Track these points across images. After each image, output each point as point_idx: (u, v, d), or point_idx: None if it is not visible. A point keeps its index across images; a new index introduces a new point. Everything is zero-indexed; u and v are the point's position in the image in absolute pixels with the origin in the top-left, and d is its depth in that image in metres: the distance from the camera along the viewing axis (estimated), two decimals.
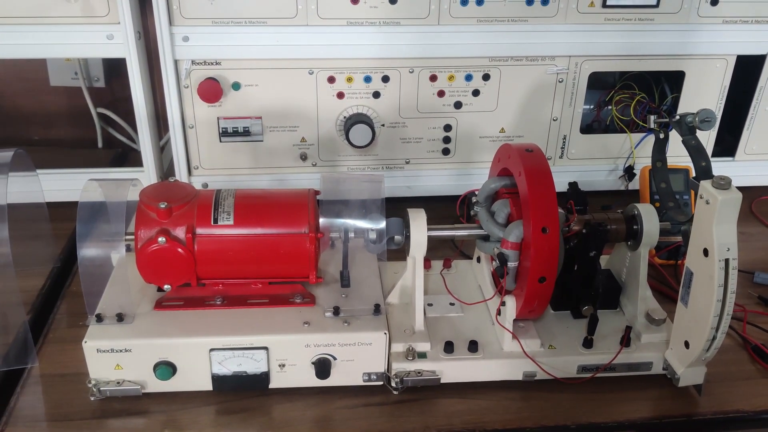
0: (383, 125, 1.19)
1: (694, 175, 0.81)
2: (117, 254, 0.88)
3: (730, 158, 1.32)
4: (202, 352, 0.83)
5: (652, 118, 0.88)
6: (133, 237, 0.84)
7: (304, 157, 1.20)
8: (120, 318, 0.85)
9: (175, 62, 1.10)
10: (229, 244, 0.85)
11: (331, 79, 1.14)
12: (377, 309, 0.88)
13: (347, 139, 1.15)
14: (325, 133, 1.18)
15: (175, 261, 0.83)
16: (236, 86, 1.13)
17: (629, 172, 1.27)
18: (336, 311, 0.87)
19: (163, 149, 1.28)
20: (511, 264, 0.86)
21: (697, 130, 0.83)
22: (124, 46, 1.09)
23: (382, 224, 0.88)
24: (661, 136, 0.88)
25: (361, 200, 0.90)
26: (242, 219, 0.86)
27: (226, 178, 1.19)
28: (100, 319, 0.85)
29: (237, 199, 0.88)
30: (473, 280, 1.02)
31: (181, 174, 1.18)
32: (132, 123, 1.18)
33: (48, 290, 1.04)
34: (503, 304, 0.88)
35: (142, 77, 1.13)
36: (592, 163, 1.28)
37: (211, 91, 1.11)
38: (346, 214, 0.89)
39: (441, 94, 1.18)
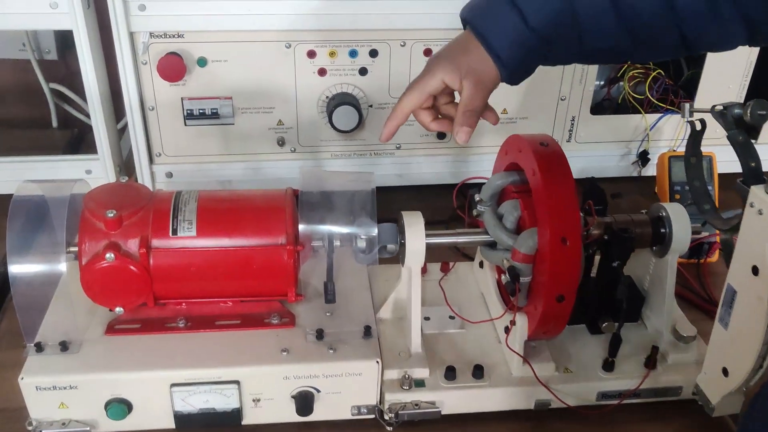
0: (371, 106, 1.06)
1: (741, 178, 0.68)
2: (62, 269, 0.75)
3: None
4: (161, 388, 0.71)
5: (687, 106, 0.76)
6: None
7: (281, 143, 1.07)
8: (64, 347, 0.72)
9: (131, 35, 0.96)
10: (191, 258, 0.73)
11: (312, 54, 1.01)
12: (368, 331, 0.76)
13: (330, 122, 1.03)
14: (305, 116, 1.06)
15: (126, 280, 0.71)
16: (202, 62, 1.00)
17: (643, 158, 1.15)
18: (319, 335, 0.75)
19: (122, 133, 1.14)
20: (524, 279, 0.74)
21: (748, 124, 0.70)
22: (71, 15, 0.94)
23: (374, 231, 0.76)
24: (698, 127, 0.76)
25: (348, 202, 0.77)
26: (207, 228, 0.73)
27: (192, 166, 1.06)
28: (40, 348, 0.72)
29: (200, 202, 0.75)
30: (475, 287, 0.90)
31: (141, 163, 1.04)
32: None
33: None
34: (513, 323, 0.76)
35: (94, 52, 0.99)
36: (603, 147, 1.16)
37: (173, 68, 0.98)
38: (330, 220, 0.76)
39: None
